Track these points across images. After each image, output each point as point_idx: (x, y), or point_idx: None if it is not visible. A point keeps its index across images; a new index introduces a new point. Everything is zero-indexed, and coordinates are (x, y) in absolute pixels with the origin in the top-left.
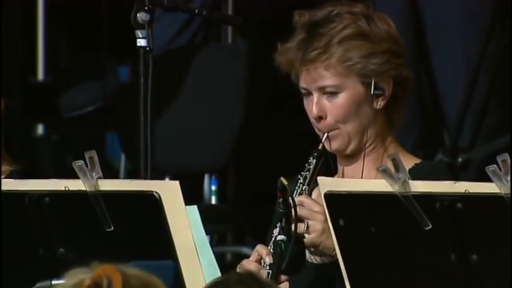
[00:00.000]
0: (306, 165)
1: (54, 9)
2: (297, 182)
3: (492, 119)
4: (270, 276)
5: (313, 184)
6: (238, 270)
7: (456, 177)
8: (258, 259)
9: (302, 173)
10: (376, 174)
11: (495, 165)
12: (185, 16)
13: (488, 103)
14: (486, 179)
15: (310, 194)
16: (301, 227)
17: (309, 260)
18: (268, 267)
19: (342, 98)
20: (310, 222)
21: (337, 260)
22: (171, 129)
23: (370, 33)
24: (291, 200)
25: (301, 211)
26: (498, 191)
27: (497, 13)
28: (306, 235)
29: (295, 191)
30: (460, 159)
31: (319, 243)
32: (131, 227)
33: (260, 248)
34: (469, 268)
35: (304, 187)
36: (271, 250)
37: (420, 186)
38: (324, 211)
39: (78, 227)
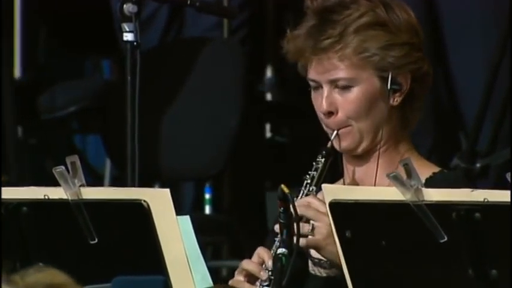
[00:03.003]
0: (314, 164)
1: (32, 2)
2: (304, 182)
3: None
4: (271, 282)
5: (321, 184)
6: (237, 272)
7: (474, 185)
8: (260, 262)
9: (310, 172)
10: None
11: None
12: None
13: (509, 104)
14: (506, 186)
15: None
16: (305, 228)
17: (312, 272)
18: (270, 273)
19: (355, 92)
20: (315, 224)
21: (343, 274)
22: (161, 132)
23: (389, 22)
24: (291, 205)
25: (307, 212)
26: None
27: None
28: (310, 236)
29: (302, 192)
30: (478, 165)
31: (322, 247)
32: (117, 239)
33: (261, 251)
34: (488, 284)
35: (311, 188)
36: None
37: (434, 195)
38: None
39: (59, 239)
